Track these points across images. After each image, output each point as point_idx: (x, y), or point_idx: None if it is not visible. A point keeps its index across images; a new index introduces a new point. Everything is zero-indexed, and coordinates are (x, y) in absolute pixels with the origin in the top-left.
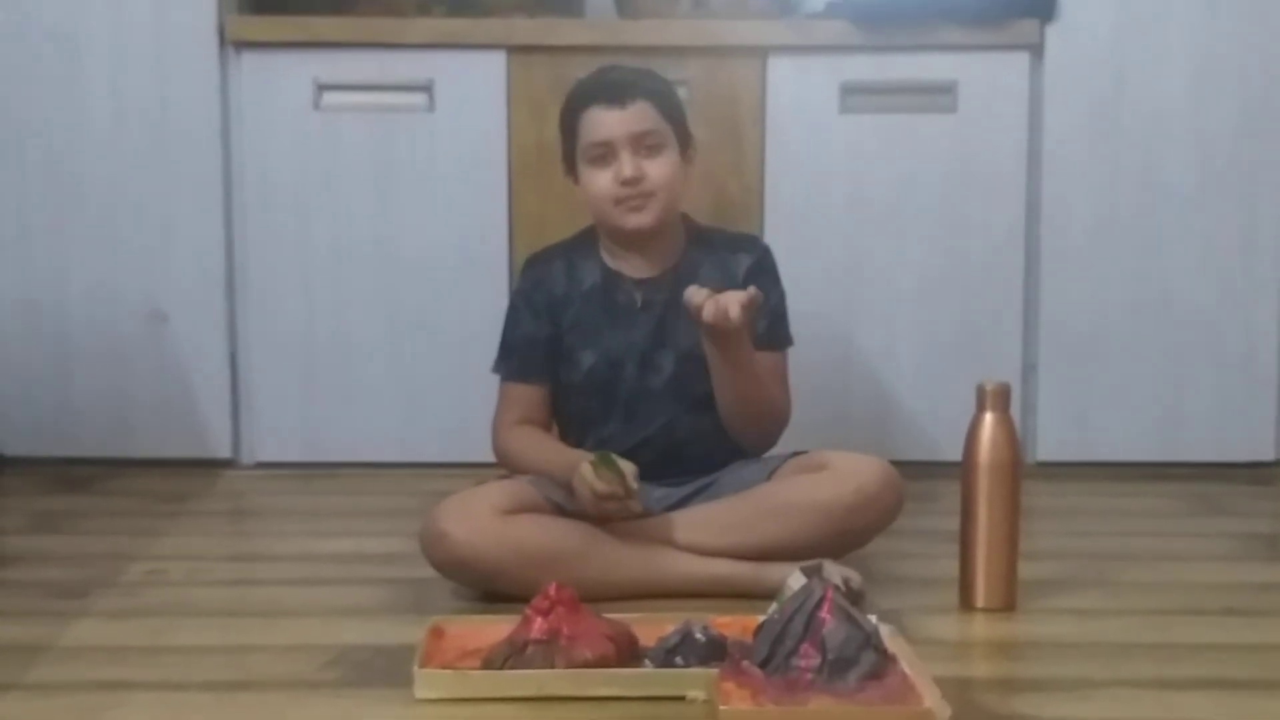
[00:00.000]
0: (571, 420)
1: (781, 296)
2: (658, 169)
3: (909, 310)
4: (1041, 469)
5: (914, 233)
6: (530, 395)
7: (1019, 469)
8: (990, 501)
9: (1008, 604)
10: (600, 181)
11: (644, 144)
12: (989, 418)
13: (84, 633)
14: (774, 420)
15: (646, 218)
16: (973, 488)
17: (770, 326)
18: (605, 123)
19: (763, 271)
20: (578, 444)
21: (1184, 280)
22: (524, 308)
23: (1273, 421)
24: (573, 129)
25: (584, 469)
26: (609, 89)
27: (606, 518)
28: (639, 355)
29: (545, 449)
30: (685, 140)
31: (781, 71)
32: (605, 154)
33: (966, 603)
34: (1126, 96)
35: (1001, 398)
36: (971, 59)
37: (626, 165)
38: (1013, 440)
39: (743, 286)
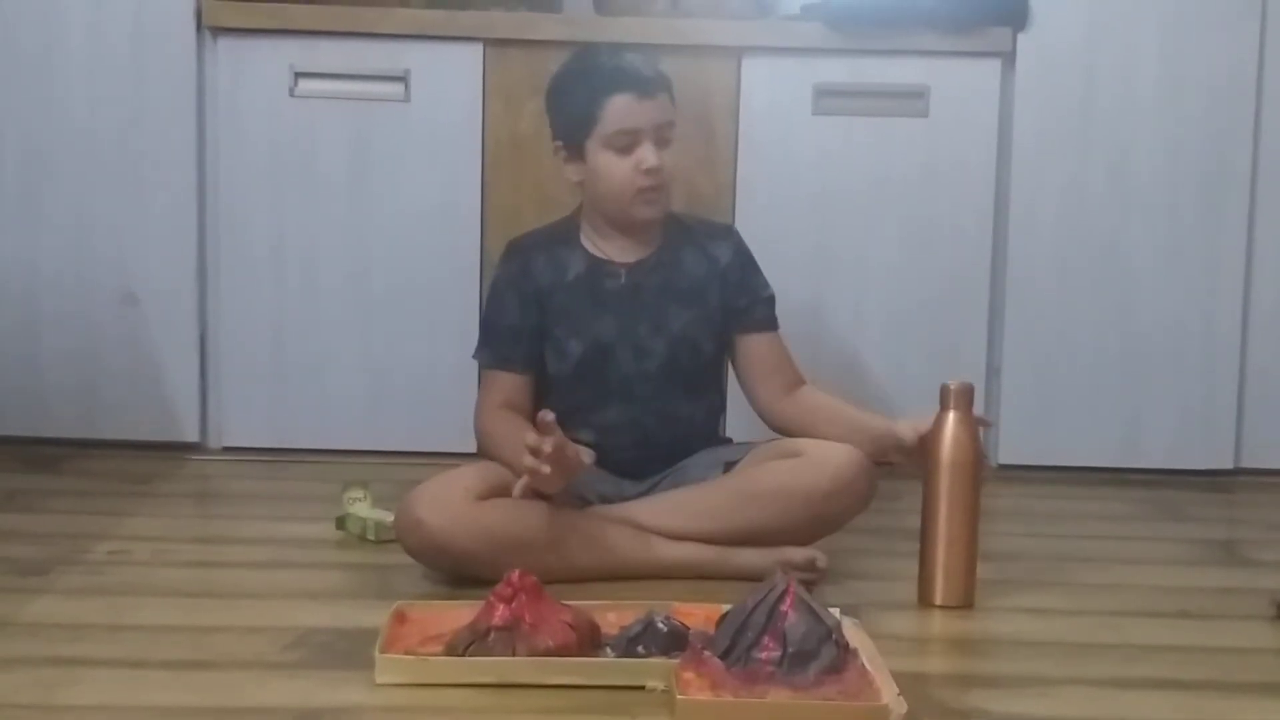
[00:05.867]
0: (568, 410)
1: (765, 281)
2: (671, 160)
3: (875, 312)
4: (1003, 472)
5: (882, 236)
6: (514, 382)
7: (980, 468)
8: (951, 499)
9: (966, 601)
10: (623, 169)
11: (662, 135)
12: (952, 416)
13: (44, 610)
14: None
15: (659, 210)
16: (934, 485)
17: (767, 310)
18: (637, 112)
19: (744, 260)
20: (576, 431)
21: (1148, 288)
22: (510, 294)
23: (1232, 430)
24: (591, 113)
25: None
26: (639, 81)
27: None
28: (632, 340)
29: (519, 442)
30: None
31: (756, 72)
32: (630, 143)
33: (925, 599)
34: (1096, 105)
35: (965, 397)
36: (944, 64)
37: (651, 155)
38: (974, 439)
39: (726, 275)
